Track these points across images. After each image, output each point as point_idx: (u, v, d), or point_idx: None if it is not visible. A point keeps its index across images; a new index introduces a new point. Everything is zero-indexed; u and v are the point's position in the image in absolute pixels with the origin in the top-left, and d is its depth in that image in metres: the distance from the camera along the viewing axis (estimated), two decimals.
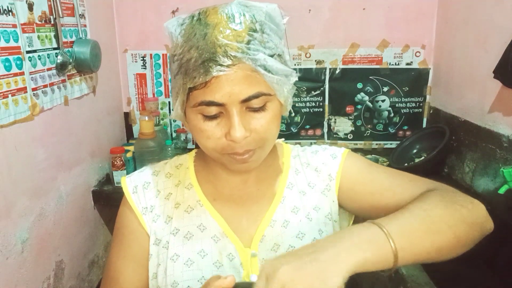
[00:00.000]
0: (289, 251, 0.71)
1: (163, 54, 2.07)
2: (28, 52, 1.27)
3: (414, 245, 0.56)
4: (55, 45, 1.44)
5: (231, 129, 0.61)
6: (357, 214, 0.81)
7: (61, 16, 1.45)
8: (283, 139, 0.86)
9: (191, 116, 0.65)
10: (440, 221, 0.60)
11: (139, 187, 0.78)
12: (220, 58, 0.59)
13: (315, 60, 2.06)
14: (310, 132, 2.15)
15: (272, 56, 0.62)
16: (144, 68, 2.10)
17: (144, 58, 2.09)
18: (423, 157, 1.84)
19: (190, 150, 0.85)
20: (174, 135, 2.15)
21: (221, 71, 0.59)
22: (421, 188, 0.70)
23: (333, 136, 2.15)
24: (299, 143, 0.87)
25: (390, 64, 2.05)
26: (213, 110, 0.62)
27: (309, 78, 2.07)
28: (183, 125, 2.12)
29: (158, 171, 0.80)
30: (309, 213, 0.76)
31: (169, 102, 2.14)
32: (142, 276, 0.76)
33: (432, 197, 0.64)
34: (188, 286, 0.71)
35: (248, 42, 0.60)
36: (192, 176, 0.79)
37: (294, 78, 0.67)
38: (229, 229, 0.73)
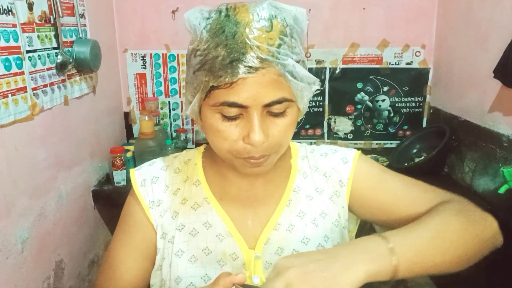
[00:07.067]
0: (304, 251, 0.71)
1: (163, 54, 2.07)
2: (28, 51, 1.27)
3: (421, 262, 0.59)
4: (55, 45, 1.44)
5: (251, 133, 0.60)
6: (367, 220, 0.80)
7: (61, 15, 1.44)
8: None
9: (207, 114, 0.63)
10: (452, 238, 0.61)
11: (148, 180, 0.77)
12: (250, 59, 0.57)
13: (315, 60, 2.06)
14: (310, 131, 2.15)
15: (298, 62, 0.62)
16: (144, 68, 2.10)
17: (144, 58, 2.08)
18: (423, 157, 1.84)
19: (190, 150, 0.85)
20: (174, 135, 2.15)
21: (249, 72, 0.57)
22: (435, 200, 0.69)
23: (333, 136, 2.15)
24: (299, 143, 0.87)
25: (390, 64, 2.05)
26: (234, 111, 0.61)
27: None
28: (183, 125, 2.14)
29: (168, 165, 0.80)
30: (315, 219, 0.75)
31: (169, 102, 2.14)
32: (142, 266, 0.76)
33: (447, 212, 0.64)
34: (191, 283, 0.71)
35: (279, 46, 0.59)
36: (200, 173, 0.78)
37: (316, 86, 0.66)
38: (234, 229, 0.73)
